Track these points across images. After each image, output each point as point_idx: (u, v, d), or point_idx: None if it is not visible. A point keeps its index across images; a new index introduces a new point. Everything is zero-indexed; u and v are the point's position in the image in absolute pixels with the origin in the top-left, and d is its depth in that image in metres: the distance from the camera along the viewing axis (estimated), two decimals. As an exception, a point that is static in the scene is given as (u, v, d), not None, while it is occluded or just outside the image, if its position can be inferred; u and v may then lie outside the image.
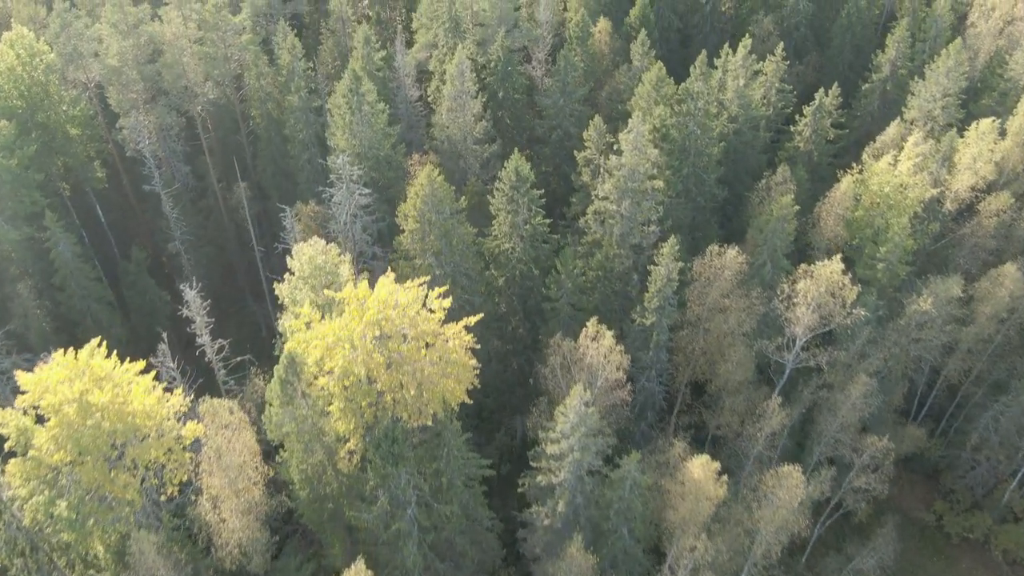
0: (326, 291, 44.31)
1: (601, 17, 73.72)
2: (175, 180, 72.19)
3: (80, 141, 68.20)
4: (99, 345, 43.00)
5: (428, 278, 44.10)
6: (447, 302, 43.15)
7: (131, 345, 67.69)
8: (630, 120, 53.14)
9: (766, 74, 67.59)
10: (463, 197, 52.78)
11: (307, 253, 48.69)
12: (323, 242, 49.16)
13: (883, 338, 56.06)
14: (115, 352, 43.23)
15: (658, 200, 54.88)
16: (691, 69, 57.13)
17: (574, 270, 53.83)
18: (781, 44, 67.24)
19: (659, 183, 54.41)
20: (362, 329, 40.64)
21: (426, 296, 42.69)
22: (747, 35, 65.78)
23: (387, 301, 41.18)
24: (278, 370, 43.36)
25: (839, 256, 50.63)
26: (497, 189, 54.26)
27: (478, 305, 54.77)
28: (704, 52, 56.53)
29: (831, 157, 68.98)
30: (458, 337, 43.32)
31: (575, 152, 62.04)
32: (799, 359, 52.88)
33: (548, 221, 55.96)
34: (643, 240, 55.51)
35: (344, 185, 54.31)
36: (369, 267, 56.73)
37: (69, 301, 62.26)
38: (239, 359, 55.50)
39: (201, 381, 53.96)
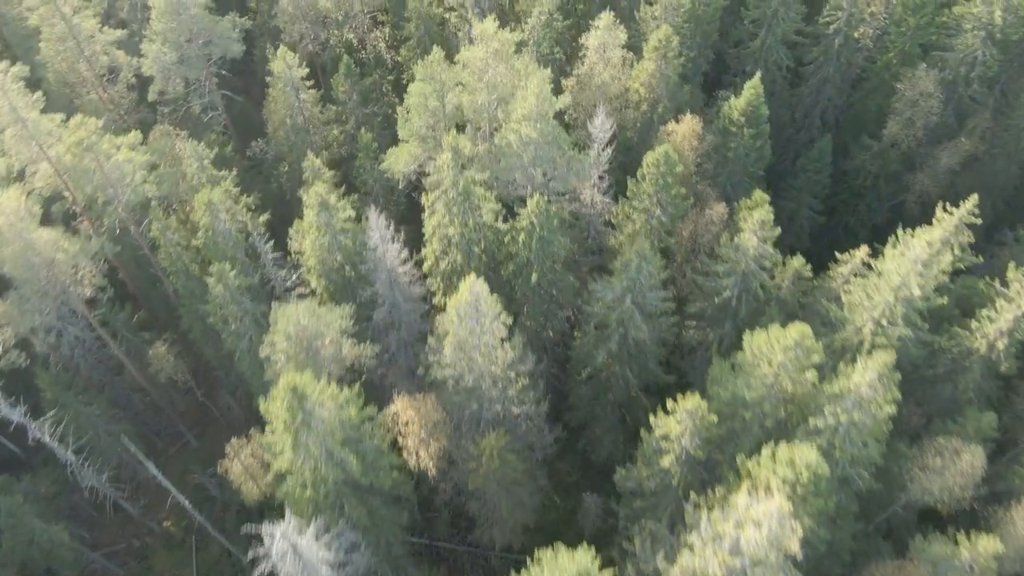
0: None
1: (688, 113, 48.12)
2: (59, 348, 50.28)
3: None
4: None
5: None
6: None
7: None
8: (765, 497, 31.50)
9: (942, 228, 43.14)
10: None
11: None
12: None
13: None
14: None
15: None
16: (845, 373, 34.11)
17: None
18: (975, 198, 42.55)
19: (793, 546, 33.62)
20: None
21: None
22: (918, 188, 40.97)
23: None
24: None
25: None
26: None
27: None
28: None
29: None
30: None
31: (648, 408, 40.32)
32: None
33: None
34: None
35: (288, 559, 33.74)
36: None
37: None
38: None
39: None
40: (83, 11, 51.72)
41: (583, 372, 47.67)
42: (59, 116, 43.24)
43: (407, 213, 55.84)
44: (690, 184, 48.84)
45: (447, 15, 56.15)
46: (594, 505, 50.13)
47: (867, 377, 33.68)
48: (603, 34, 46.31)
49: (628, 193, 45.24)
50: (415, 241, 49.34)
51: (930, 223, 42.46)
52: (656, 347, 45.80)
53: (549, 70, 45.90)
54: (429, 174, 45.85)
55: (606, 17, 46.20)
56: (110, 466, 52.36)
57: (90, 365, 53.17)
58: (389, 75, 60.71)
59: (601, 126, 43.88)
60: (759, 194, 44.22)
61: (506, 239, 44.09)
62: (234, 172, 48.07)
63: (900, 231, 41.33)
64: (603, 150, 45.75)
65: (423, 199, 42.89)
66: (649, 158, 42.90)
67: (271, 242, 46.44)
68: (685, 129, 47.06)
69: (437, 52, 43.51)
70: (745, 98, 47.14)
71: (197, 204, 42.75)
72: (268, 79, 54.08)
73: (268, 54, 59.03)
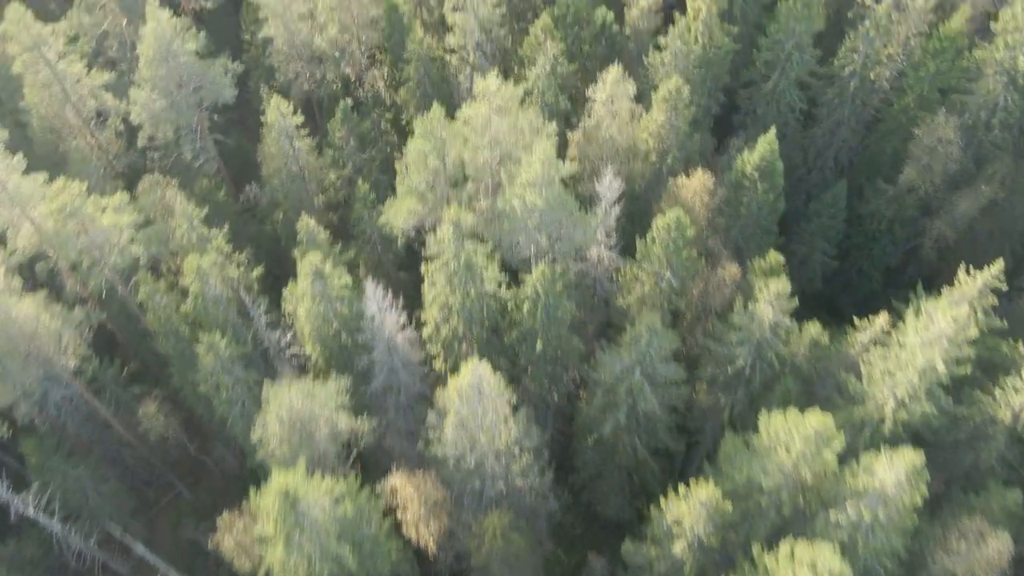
0: None
1: (699, 165, 46.26)
2: (45, 409, 48.36)
3: None
4: None
5: None
6: None
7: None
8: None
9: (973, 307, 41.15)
10: None
11: None
12: None
13: None
14: None
15: None
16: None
17: None
18: (1000, 263, 40.64)
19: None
20: None
21: None
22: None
23: None
24: None
25: None
26: None
27: None
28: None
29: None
30: None
31: (656, 471, 38.67)
32: None
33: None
34: None
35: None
36: None
37: None
38: None
39: None
40: (68, 55, 49.59)
41: (589, 438, 45.83)
42: (42, 176, 41.24)
43: (406, 260, 53.95)
44: (701, 240, 46.90)
45: (448, 56, 54.04)
46: (600, 568, 48.45)
47: (893, 476, 31.83)
48: (611, 88, 44.23)
49: (637, 255, 43.31)
50: (414, 288, 47.39)
51: (946, 267, 40.36)
52: (666, 415, 43.97)
53: (554, 123, 44.09)
54: (427, 230, 44.06)
55: (614, 71, 44.12)
56: (99, 528, 50.51)
57: (78, 423, 51.24)
58: (388, 112, 58.63)
59: (609, 185, 41.91)
60: (774, 256, 42.41)
61: (510, 306, 42.19)
62: (225, 228, 46.04)
63: (923, 299, 39.46)
64: (611, 208, 43.77)
65: (423, 268, 40.96)
66: (660, 222, 40.96)
67: (264, 302, 44.53)
68: (696, 184, 45.10)
69: (437, 110, 41.52)
70: (759, 153, 45.14)
71: (187, 270, 40.83)
72: (262, 118, 52.14)
73: (263, 93, 57.05)
